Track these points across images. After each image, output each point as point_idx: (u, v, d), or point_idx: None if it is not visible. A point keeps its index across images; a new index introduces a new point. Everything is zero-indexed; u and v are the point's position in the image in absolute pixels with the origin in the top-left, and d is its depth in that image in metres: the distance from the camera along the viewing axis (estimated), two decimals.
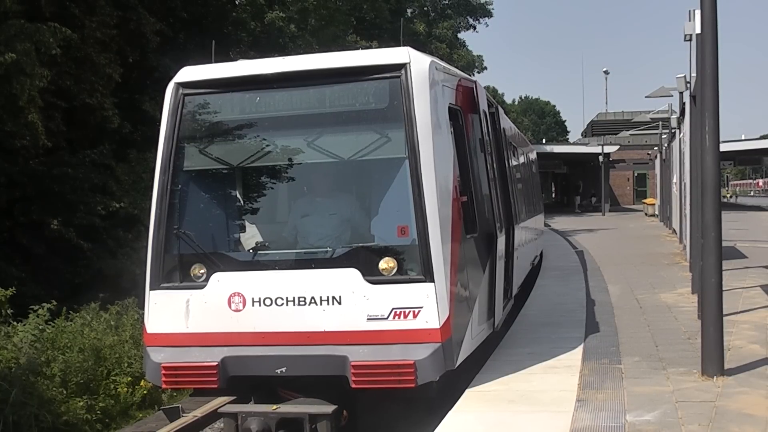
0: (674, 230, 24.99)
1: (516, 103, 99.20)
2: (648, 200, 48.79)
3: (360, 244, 7.36)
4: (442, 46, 43.79)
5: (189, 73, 7.95)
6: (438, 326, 6.96)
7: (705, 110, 7.91)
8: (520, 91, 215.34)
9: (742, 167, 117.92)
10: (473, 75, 40.13)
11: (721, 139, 7.81)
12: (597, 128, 72.94)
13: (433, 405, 7.55)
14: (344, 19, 32.04)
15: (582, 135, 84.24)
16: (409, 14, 46.51)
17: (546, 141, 77.54)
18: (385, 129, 7.49)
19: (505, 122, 13.04)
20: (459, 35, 51.61)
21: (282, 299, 7.17)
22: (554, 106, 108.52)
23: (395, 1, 41.31)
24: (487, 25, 55.03)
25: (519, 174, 14.47)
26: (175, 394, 12.05)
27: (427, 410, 7.73)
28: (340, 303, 7.08)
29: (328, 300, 7.10)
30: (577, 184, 61.73)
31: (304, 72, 7.63)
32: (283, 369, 7.12)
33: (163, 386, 7.90)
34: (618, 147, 54.75)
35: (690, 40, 12.73)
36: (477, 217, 8.11)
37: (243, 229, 8.02)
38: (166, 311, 7.51)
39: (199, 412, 10.40)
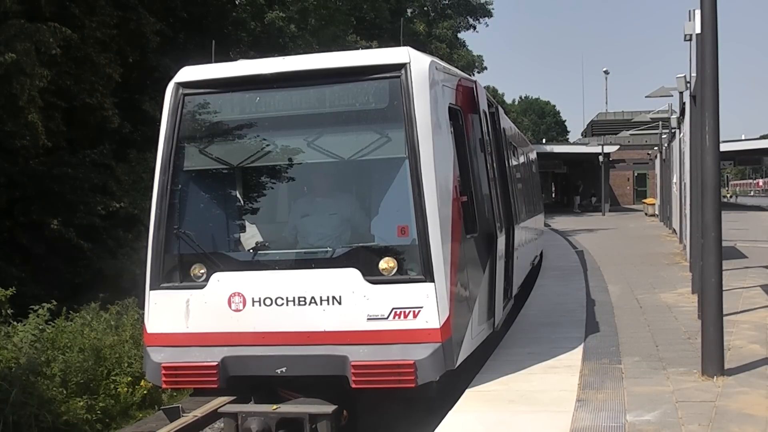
0: (674, 230, 24.99)
1: (516, 103, 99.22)
2: (648, 200, 48.80)
3: (360, 244, 7.36)
4: (442, 46, 43.79)
5: (189, 73, 7.95)
6: (438, 326, 6.96)
7: (705, 110, 7.91)
8: (520, 91, 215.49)
9: (742, 167, 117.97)
10: (473, 75, 40.12)
11: (721, 139, 7.81)
12: (597, 128, 72.92)
13: (433, 405, 7.55)
14: (344, 19, 32.04)
15: (582, 135, 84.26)
16: (409, 14, 46.52)
17: (546, 141, 77.53)
18: (385, 129, 7.49)
19: (505, 122, 13.04)
20: (459, 35, 51.68)
21: (282, 299, 7.17)
22: (554, 106, 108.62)
23: (395, 1, 41.31)
24: (487, 25, 55.16)
25: (519, 174, 14.48)
26: (175, 394, 12.05)
27: (427, 410, 7.73)
28: (340, 303, 7.08)
29: (328, 300, 7.10)
30: (576, 184, 61.74)
31: (304, 72, 7.63)
32: (283, 369, 7.12)
33: (163, 386, 7.90)
34: (618, 147, 54.75)
35: (690, 40, 12.72)
36: (477, 217, 8.11)
37: (243, 229, 8.03)
38: (166, 311, 7.51)
39: (199, 412, 10.40)
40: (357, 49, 13.59)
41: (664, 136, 33.40)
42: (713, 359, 7.70)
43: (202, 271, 7.44)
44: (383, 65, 7.44)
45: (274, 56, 8.28)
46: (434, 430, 6.48)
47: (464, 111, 8.37)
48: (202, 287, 7.40)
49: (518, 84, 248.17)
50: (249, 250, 7.64)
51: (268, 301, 7.20)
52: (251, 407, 7.45)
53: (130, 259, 17.19)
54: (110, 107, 19.36)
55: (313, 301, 7.12)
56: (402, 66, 7.30)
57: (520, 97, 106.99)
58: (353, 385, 6.93)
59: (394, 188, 7.57)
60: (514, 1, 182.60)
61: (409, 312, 6.99)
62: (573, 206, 58.32)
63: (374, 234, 7.52)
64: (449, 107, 7.87)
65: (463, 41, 52.80)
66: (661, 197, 35.53)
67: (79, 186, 18.20)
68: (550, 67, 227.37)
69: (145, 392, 12.16)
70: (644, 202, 49.87)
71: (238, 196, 8.18)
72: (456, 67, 10.15)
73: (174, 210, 7.65)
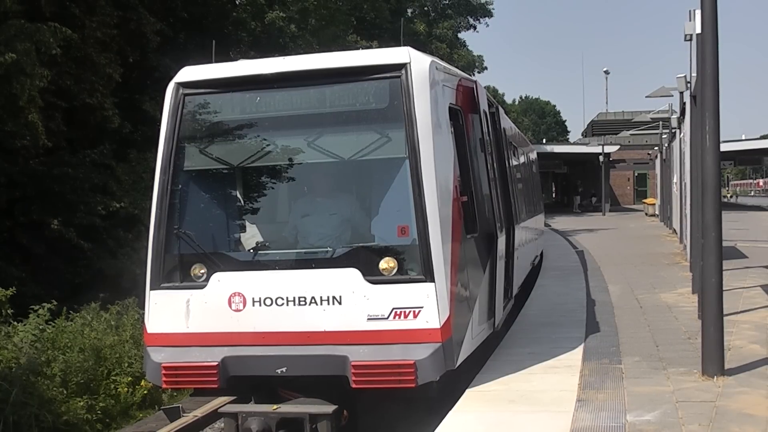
0: (674, 230, 24.99)
1: (516, 103, 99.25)
2: (648, 200, 48.80)
3: (360, 244, 7.36)
4: (442, 46, 43.81)
5: (189, 73, 7.95)
6: (438, 326, 6.95)
7: (705, 110, 7.91)
8: (520, 91, 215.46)
9: (742, 167, 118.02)
10: (473, 75, 40.11)
11: (721, 139, 7.81)
12: (597, 128, 72.93)
13: (433, 405, 7.55)
14: (344, 19, 32.03)
15: (582, 135, 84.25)
16: (409, 14, 46.51)
17: (546, 141, 77.53)
18: (385, 129, 7.49)
19: (506, 122, 13.04)
20: (459, 35, 51.69)
21: (282, 299, 7.17)
22: (554, 106, 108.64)
23: (395, 1, 41.30)
24: (488, 25, 55.18)
25: (519, 174, 14.47)
26: (175, 394, 12.05)
27: (427, 410, 7.73)
28: (340, 303, 7.07)
29: (328, 300, 7.09)
30: (576, 184, 61.74)
31: (304, 72, 7.63)
32: (284, 369, 7.12)
33: (164, 386, 7.89)
34: (618, 147, 54.75)
35: (690, 40, 12.71)
36: (477, 217, 8.11)
37: (243, 229, 8.02)
38: (167, 311, 7.51)
39: (199, 412, 10.40)
40: (357, 49, 13.58)
41: (664, 136, 33.39)
42: (713, 359, 7.70)
43: (202, 271, 7.44)
44: (383, 65, 7.44)
45: (274, 56, 8.28)
46: (434, 430, 6.48)
47: (464, 111, 8.37)
48: (202, 287, 7.39)
49: (518, 84, 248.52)
50: (249, 250, 7.64)
51: (268, 301, 7.20)
52: (251, 407, 7.45)
53: (130, 259, 17.19)
54: (110, 107, 19.35)
55: (313, 301, 7.12)
56: (402, 66, 7.30)
57: (520, 97, 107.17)
58: (353, 385, 6.93)
59: (394, 188, 7.56)
60: (514, 1, 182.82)
61: (410, 312, 6.99)
62: (573, 206, 58.32)
63: (374, 234, 7.52)
64: (449, 107, 7.87)
65: (464, 41, 52.89)
66: (662, 197, 35.54)
67: (79, 186, 18.19)
68: (550, 67, 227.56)
69: (145, 392, 12.16)
70: (644, 202, 49.88)
71: (239, 196, 8.17)
72: (456, 67, 10.15)
73: (174, 210, 7.65)
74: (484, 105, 9.45)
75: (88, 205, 18.11)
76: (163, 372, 7.37)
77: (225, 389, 7.90)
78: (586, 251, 23.28)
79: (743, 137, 61.48)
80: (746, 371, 7.86)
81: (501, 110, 11.80)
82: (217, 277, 7.37)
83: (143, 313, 7.78)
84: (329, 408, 7.08)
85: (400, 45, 7.71)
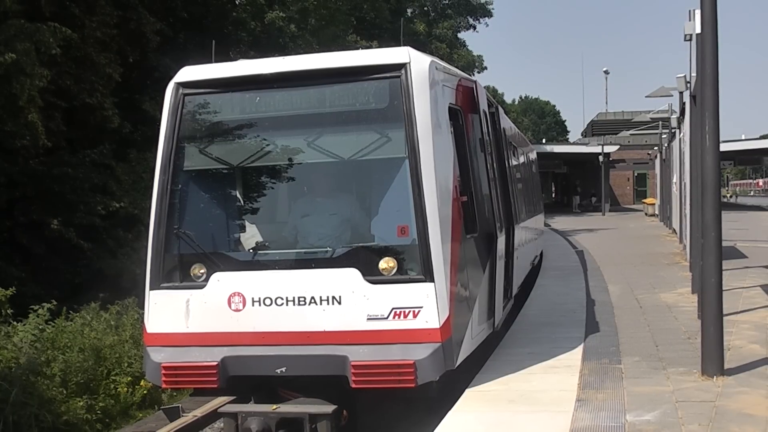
0: (674, 230, 24.99)
1: (516, 103, 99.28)
2: (648, 200, 48.81)
3: (360, 244, 7.36)
4: (442, 46, 43.83)
5: (189, 73, 7.95)
6: (438, 326, 6.96)
7: (705, 110, 7.91)
8: (520, 91, 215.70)
9: (742, 167, 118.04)
10: (473, 75, 40.13)
11: (720, 139, 7.81)
12: (597, 128, 72.92)
13: (433, 405, 7.54)
14: (344, 19, 32.02)
15: (582, 135, 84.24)
16: (409, 14, 46.54)
17: (546, 141, 77.56)
18: (385, 129, 7.49)
19: (505, 122, 13.04)
20: (459, 35, 51.73)
21: (282, 299, 7.17)
22: (554, 106, 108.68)
23: (395, 1, 41.31)
24: (487, 25, 55.20)
25: (519, 174, 14.47)
26: (175, 394, 12.05)
27: (427, 410, 7.73)
28: (340, 303, 7.07)
29: (328, 300, 7.10)
30: (575, 184, 61.72)
31: (304, 72, 7.63)
32: (283, 369, 7.12)
33: (163, 386, 7.90)
34: (618, 147, 54.77)
35: (690, 40, 12.72)
36: (477, 217, 8.11)
37: (243, 228, 8.02)
38: (166, 311, 7.51)
39: (199, 412, 10.40)
40: (357, 49, 13.59)
41: (664, 136, 33.39)
42: (713, 359, 7.70)
43: (202, 271, 7.44)
44: (383, 65, 7.44)
45: (274, 56, 8.28)
46: (434, 430, 6.48)
47: (464, 111, 8.37)
48: (202, 287, 7.40)
49: (518, 84, 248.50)
50: (249, 250, 7.64)
51: (268, 301, 7.20)
52: (251, 407, 7.45)
53: (130, 259, 17.19)
54: (110, 107, 19.35)
55: (313, 301, 7.12)
56: (402, 66, 7.30)
57: (520, 97, 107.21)
58: (353, 385, 6.93)
59: (394, 188, 7.56)
60: (514, 1, 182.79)
61: (409, 312, 6.99)
62: (573, 206, 58.33)
63: (374, 234, 7.52)
64: (449, 107, 7.87)
65: (463, 41, 52.92)
66: (661, 197, 35.54)
67: (79, 186, 18.19)
68: (550, 67, 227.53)
69: (145, 392, 12.16)
70: (644, 202, 49.88)
71: (238, 196, 8.17)
72: (456, 67, 10.16)
73: (174, 210, 7.65)
74: (483, 105, 9.45)
75: (88, 205, 18.11)
76: (163, 372, 7.37)
77: (225, 389, 7.90)
78: (585, 251, 23.29)
79: (743, 137, 61.53)
80: (746, 371, 7.86)
81: (501, 110, 11.81)
82: (217, 277, 7.37)
83: (143, 313, 7.78)
84: (329, 408, 7.08)
85: (400, 45, 7.71)
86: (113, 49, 20.16)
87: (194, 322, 7.40)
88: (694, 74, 12.98)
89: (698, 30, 8.29)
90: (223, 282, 7.34)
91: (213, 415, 10.04)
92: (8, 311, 12.58)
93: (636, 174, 67.61)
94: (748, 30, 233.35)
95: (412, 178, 7.15)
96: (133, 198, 18.86)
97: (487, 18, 52.04)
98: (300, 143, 7.88)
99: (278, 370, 7.13)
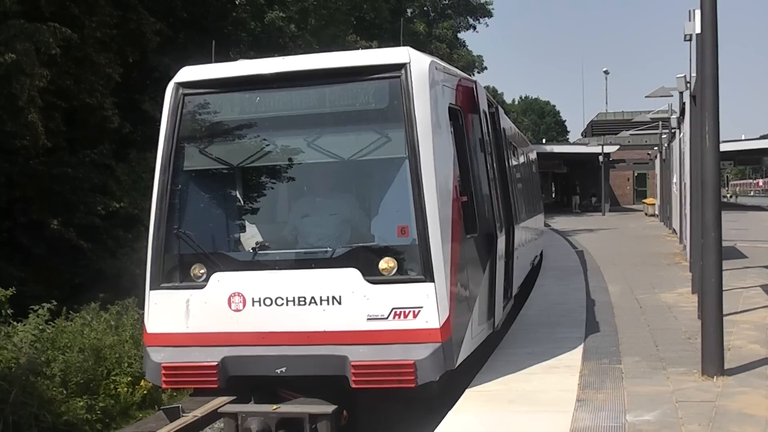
0: (674, 230, 24.99)
1: (516, 103, 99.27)
2: (648, 200, 48.82)
3: (360, 244, 7.37)
4: (442, 46, 43.80)
5: (189, 73, 7.95)
6: (438, 326, 6.96)
7: (705, 110, 7.91)
8: (520, 91, 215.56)
9: (742, 167, 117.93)
10: (473, 75, 40.10)
11: (720, 139, 7.81)
12: (597, 128, 72.94)
13: (433, 405, 7.55)
14: (344, 19, 32.02)
15: (582, 135, 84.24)
16: (409, 14, 46.50)
17: (546, 141, 77.56)
18: (385, 129, 7.50)
19: (505, 122, 13.05)
20: (459, 35, 51.69)
21: (282, 299, 7.17)
22: (554, 106, 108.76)
23: (395, 1, 41.29)
24: (487, 25, 55.07)
25: (519, 174, 14.48)
26: (175, 394, 12.05)
27: (427, 410, 7.74)
28: (340, 303, 7.08)
29: (328, 300, 7.10)
30: (575, 184, 61.71)
31: (304, 72, 7.63)
32: (283, 369, 7.13)
33: (163, 386, 7.91)
34: (618, 147, 54.77)
35: (690, 40, 12.73)
36: (477, 217, 8.11)
37: (243, 229, 8.03)
38: (166, 311, 7.51)
39: (199, 412, 10.40)
40: (357, 49, 13.59)
41: (664, 136, 33.40)
42: (713, 359, 7.70)
43: (202, 271, 7.44)
44: (383, 65, 7.44)
45: (274, 56, 8.29)
46: (434, 430, 6.48)
47: (464, 111, 8.37)
48: (202, 287, 7.40)
49: (518, 84, 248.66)
50: (249, 250, 7.64)
51: (268, 301, 7.20)
52: (251, 407, 7.45)
53: (130, 259, 17.16)
54: (110, 107, 19.33)
55: (313, 301, 7.12)
56: (402, 66, 7.31)
57: (520, 97, 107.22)
58: (353, 385, 6.93)
59: (394, 188, 7.57)
60: (514, 1, 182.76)
61: (409, 312, 6.99)
62: (573, 206, 58.32)
63: (374, 234, 7.52)
64: (449, 107, 7.87)
65: (463, 41, 52.89)
66: (661, 197, 35.54)
67: (79, 186, 18.17)
68: (550, 67, 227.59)
69: (145, 392, 12.15)
70: (644, 202, 49.89)
71: (238, 196, 8.18)
72: (456, 67, 10.16)
73: (174, 210, 7.65)
74: (483, 105, 9.45)
75: (87, 205, 18.09)
76: (163, 372, 7.37)
77: (225, 389, 7.89)
78: (585, 251, 23.29)
79: (743, 137, 61.50)
80: (746, 371, 7.86)
81: (501, 110, 11.81)
82: (217, 277, 7.37)
83: (143, 313, 7.78)
84: (329, 408, 7.08)
85: (399, 45, 7.71)
86: (113, 49, 20.15)
87: (194, 322, 7.40)
88: (694, 74, 12.99)
89: (698, 30, 8.29)
90: (223, 282, 7.35)
91: (213, 415, 10.04)
92: (8, 311, 12.57)
93: (636, 174, 67.61)
94: (748, 30, 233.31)
95: (412, 178, 7.15)
96: (133, 198, 18.85)
97: (487, 18, 52.05)
98: (300, 143, 7.88)
99: (278, 371, 7.13)
